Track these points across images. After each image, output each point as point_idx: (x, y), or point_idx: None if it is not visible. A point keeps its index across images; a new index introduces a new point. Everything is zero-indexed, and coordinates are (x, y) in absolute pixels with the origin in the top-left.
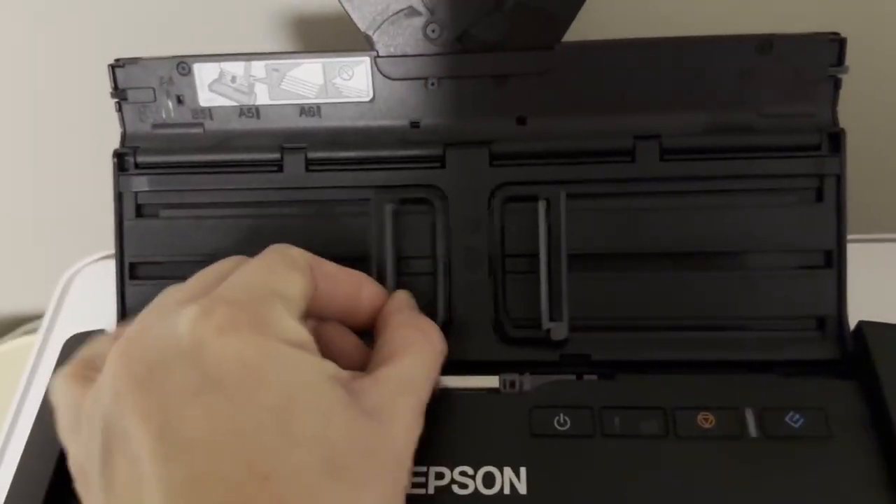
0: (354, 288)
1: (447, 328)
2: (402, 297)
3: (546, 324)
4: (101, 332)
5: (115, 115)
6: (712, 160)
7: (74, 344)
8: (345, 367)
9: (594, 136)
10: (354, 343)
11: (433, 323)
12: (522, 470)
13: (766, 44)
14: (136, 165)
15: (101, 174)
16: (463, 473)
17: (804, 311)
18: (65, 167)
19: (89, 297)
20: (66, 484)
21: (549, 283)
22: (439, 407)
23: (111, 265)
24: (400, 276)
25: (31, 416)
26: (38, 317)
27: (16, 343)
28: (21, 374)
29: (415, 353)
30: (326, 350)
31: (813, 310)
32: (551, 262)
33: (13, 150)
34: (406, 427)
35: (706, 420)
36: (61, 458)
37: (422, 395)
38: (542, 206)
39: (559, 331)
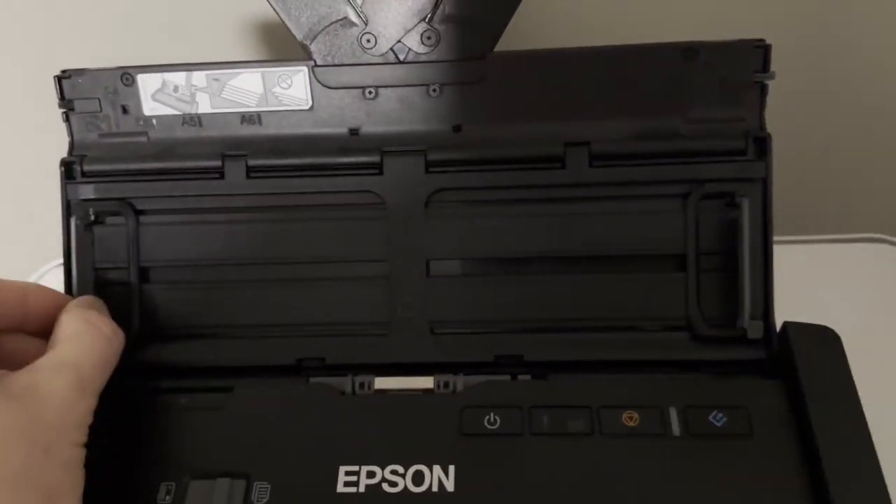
0: (19, 296)
1: (388, 329)
2: (80, 299)
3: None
4: None
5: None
6: (640, 166)
7: None
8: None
9: (526, 143)
10: (36, 346)
11: (104, 316)
12: (451, 468)
13: (692, 51)
14: (83, 174)
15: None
16: (394, 472)
17: (731, 312)
18: (16, 177)
19: None
20: None
21: (484, 288)
22: (374, 408)
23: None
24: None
25: None
26: None
27: None
28: None
29: (76, 339)
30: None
31: (741, 314)
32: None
33: None
34: (60, 401)
35: (630, 419)
36: None
37: (83, 375)
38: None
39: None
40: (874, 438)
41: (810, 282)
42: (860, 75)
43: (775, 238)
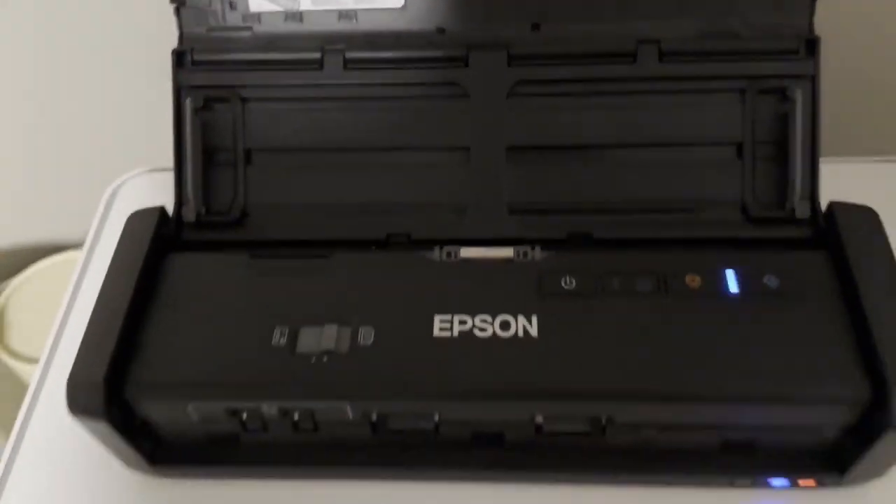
0: None
1: (468, 208)
2: None
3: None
4: (161, 208)
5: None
6: (703, 62)
7: (136, 220)
8: None
9: (601, 40)
10: None
11: None
12: (534, 318)
13: None
14: (194, 62)
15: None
16: (483, 321)
17: (782, 196)
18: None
19: (133, 207)
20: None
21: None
22: (461, 270)
23: (152, 178)
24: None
25: (79, 317)
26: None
27: (62, 256)
28: (70, 279)
29: None
30: None
31: (791, 196)
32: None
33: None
34: None
35: (693, 281)
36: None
37: None
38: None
39: None
40: None
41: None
42: None
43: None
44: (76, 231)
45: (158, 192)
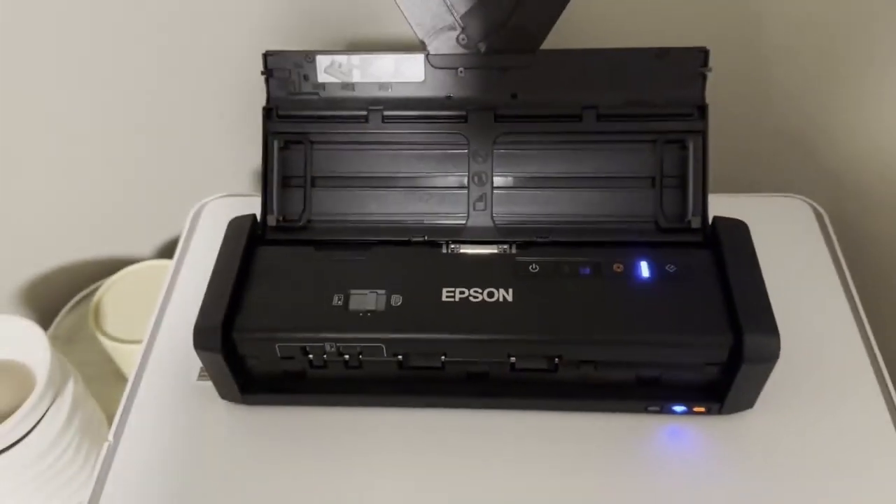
0: None
1: (465, 220)
2: None
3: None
4: (253, 214)
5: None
6: (628, 121)
7: (236, 222)
8: None
9: (558, 106)
10: None
11: None
12: (510, 290)
13: (664, 53)
14: (278, 116)
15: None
16: (476, 291)
17: (682, 213)
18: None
19: (214, 226)
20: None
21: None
22: (460, 259)
23: (229, 202)
24: (436, 189)
25: (174, 309)
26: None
27: (149, 263)
28: (162, 285)
29: None
30: None
31: (687, 213)
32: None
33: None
34: None
35: (618, 267)
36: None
37: None
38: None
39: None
40: None
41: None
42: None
43: (718, 193)
44: (148, 247)
45: (233, 212)
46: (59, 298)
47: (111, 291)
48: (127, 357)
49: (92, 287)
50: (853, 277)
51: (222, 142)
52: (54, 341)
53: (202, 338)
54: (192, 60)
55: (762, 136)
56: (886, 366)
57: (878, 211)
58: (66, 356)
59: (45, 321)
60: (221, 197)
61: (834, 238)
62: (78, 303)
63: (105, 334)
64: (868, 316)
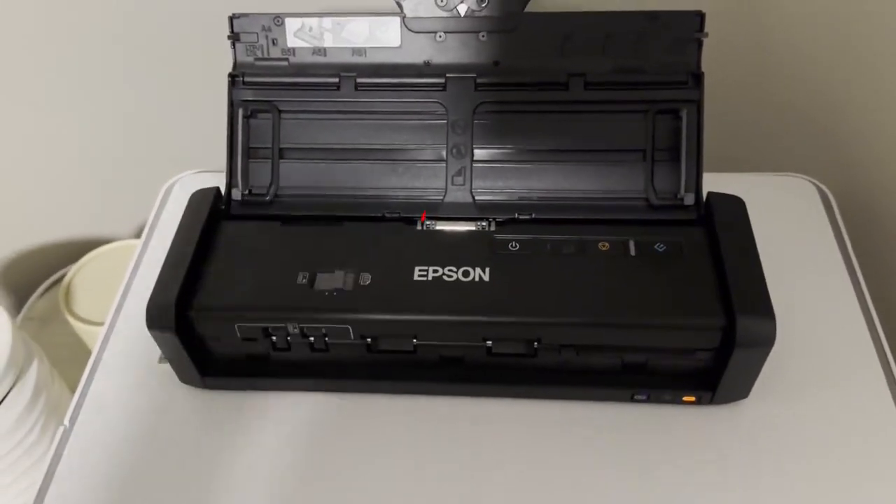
0: None
1: (443, 195)
2: None
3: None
4: (217, 188)
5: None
6: (617, 90)
7: (198, 195)
8: None
9: (541, 73)
10: None
11: None
12: (487, 269)
13: (654, 15)
14: (244, 83)
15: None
16: (450, 270)
17: (675, 189)
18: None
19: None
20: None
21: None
22: (435, 236)
23: (203, 178)
24: (412, 162)
25: (138, 289)
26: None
27: (121, 244)
28: (128, 261)
29: None
30: None
31: (680, 189)
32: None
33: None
34: None
35: (604, 246)
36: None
37: None
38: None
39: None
40: None
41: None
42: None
43: (717, 172)
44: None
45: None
46: (34, 280)
47: (82, 273)
48: (96, 339)
49: (67, 269)
50: (860, 263)
51: (199, 114)
52: (28, 323)
53: (155, 316)
54: (160, 30)
55: (763, 111)
56: (893, 355)
57: (888, 192)
58: (40, 338)
59: (20, 303)
60: (195, 173)
61: (840, 220)
62: (52, 285)
63: (75, 316)
64: (875, 303)
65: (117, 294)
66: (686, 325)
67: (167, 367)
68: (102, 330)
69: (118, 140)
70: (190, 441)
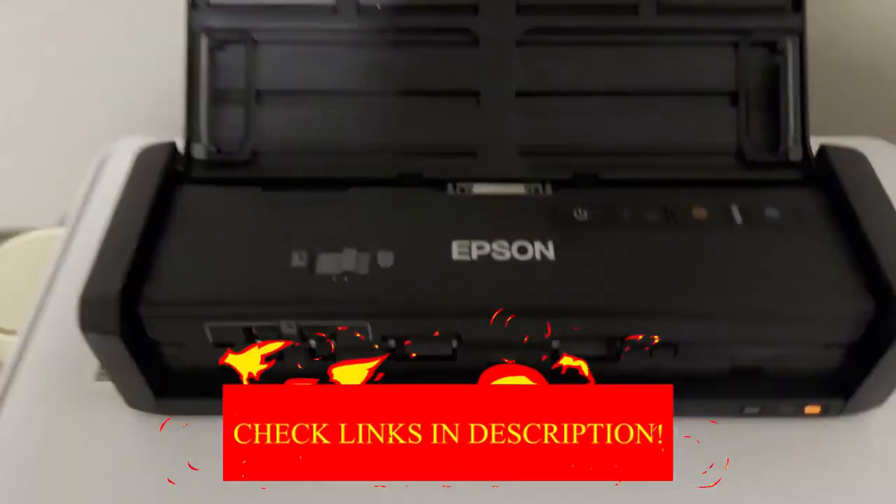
0: None
1: (478, 150)
2: None
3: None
4: (172, 143)
5: None
6: (699, 16)
7: (147, 154)
8: None
9: None
10: None
11: None
12: (550, 243)
13: None
14: (208, 4)
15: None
16: (500, 245)
17: (775, 140)
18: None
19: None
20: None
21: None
22: (475, 203)
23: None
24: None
25: (62, 301)
26: None
27: (38, 233)
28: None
29: None
30: None
31: (786, 141)
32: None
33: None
34: None
35: (699, 212)
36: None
37: None
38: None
39: None
40: None
41: None
42: None
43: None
44: (41, 214)
45: None
46: None
47: None
48: (6, 352)
49: None
50: None
51: (143, 55)
52: None
53: (90, 314)
54: None
55: (838, 70)
56: None
57: None
58: None
59: None
60: (138, 140)
61: None
62: None
63: None
64: None
65: (36, 295)
66: (822, 313)
67: (107, 385)
68: (16, 340)
69: (27, 98)
70: (137, 486)
